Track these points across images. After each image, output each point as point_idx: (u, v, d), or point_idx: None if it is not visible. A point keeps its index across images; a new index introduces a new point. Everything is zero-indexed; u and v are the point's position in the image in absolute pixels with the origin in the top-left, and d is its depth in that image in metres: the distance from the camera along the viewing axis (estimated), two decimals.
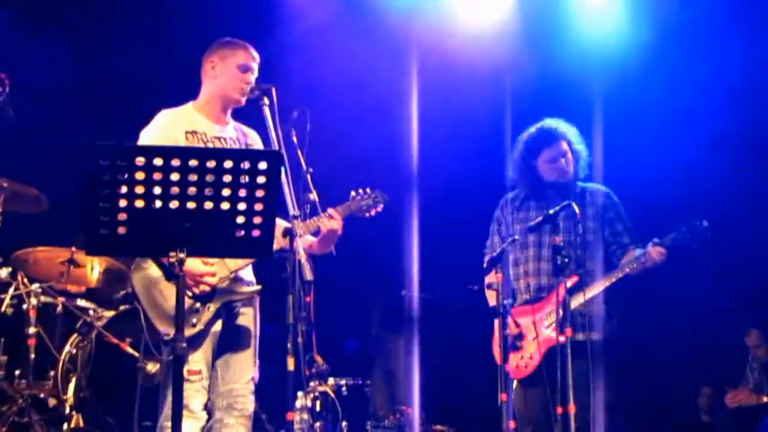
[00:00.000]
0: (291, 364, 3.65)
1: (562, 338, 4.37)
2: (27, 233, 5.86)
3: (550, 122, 5.06)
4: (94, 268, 5.79)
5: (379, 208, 4.53)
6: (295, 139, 4.30)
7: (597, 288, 4.75)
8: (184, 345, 3.18)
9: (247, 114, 4.29)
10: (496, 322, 4.58)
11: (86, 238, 3.13)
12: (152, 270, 4.02)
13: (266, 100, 4.06)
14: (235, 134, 4.27)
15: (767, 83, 6.47)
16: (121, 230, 3.08)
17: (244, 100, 4.21)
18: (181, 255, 3.15)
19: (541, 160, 5.01)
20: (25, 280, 5.61)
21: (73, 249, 5.63)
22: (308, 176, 4.29)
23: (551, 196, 4.91)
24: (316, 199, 4.31)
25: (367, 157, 6.79)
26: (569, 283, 4.50)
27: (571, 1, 7.02)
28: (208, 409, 4.03)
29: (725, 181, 6.58)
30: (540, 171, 5.00)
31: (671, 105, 6.62)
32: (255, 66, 4.28)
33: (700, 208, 5.40)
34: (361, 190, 4.50)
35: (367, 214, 4.51)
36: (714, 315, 6.94)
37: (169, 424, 3.85)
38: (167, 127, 4.09)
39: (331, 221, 4.24)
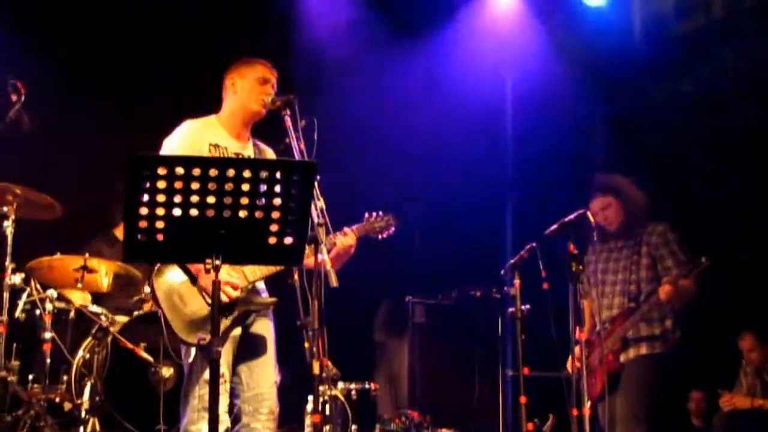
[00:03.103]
0: (316, 367, 3.76)
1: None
2: (40, 240, 5.92)
3: (599, 176, 5.58)
4: (105, 274, 5.84)
5: (391, 230, 4.66)
6: (303, 147, 4.42)
7: (634, 319, 5.23)
8: (220, 349, 3.27)
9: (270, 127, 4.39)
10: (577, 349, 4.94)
11: (125, 244, 3.22)
12: (174, 275, 4.10)
13: (288, 111, 4.16)
14: (252, 152, 4.39)
15: None
16: (159, 237, 3.19)
17: (264, 111, 4.31)
18: (217, 261, 3.25)
19: (591, 211, 5.25)
20: (38, 286, 5.69)
21: (86, 255, 5.71)
22: (316, 184, 4.41)
23: (615, 239, 5.47)
24: (324, 206, 4.42)
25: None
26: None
27: None
28: (235, 414, 4.13)
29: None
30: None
31: None
32: (273, 80, 4.39)
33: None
34: (375, 213, 4.61)
35: (379, 236, 4.63)
36: (707, 318, 7.05)
37: (193, 427, 4.00)
38: (193, 138, 4.19)
39: (346, 238, 4.35)
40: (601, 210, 5.39)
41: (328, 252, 4.34)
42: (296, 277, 4.13)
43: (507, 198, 8.23)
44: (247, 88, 4.34)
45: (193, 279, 4.05)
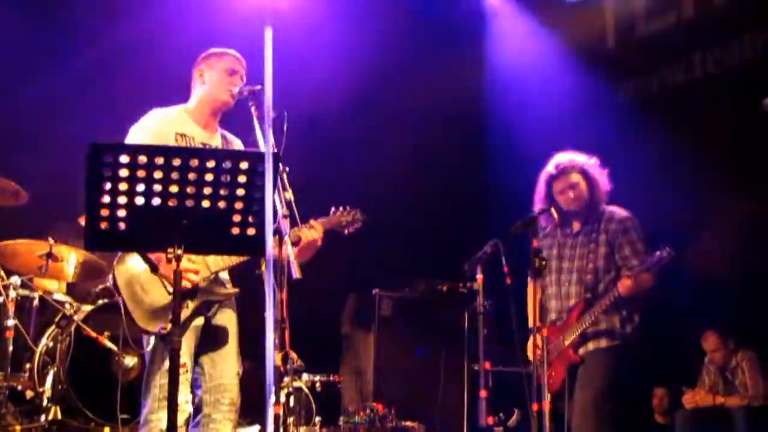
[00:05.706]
0: (278, 359, 3.75)
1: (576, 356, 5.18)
2: (4, 226, 5.87)
3: (562, 155, 5.41)
4: (71, 262, 5.79)
5: (358, 225, 4.58)
6: (272, 139, 4.40)
7: (593, 313, 5.14)
8: (180, 339, 3.26)
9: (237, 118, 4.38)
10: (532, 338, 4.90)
11: (86, 233, 3.20)
12: (135, 264, 4.07)
13: (254, 102, 4.15)
14: (220, 143, 4.38)
15: None
16: (121, 226, 3.17)
17: (232, 102, 4.31)
18: (179, 251, 3.24)
19: (555, 191, 5.35)
20: (2, 273, 5.65)
21: (51, 242, 5.66)
22: (284, 175, 4.40)
23: (573, 223, 5.38)
24: (292, 198, 4.40)
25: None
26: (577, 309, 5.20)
27: None
28: (197, 405, 4.12)
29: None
30: (557, 201, 5.34)
31: None
32: (242, 71, 4.38)
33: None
34: (341, 208, 4.56)
35: (346, 231, 4.56)
36: (670, 316, 7.10)
37: (154, 417, 3.98)
38: (159, 127, 4.17)
39: (311, 231, 4.27)
40: (569, 188, 5.30)
41: (294, 245, 4.34)
42: (263, 268, 4.12)
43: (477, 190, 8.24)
44: (216, 79, 4.33)
45: (154, 268, 4.02)
